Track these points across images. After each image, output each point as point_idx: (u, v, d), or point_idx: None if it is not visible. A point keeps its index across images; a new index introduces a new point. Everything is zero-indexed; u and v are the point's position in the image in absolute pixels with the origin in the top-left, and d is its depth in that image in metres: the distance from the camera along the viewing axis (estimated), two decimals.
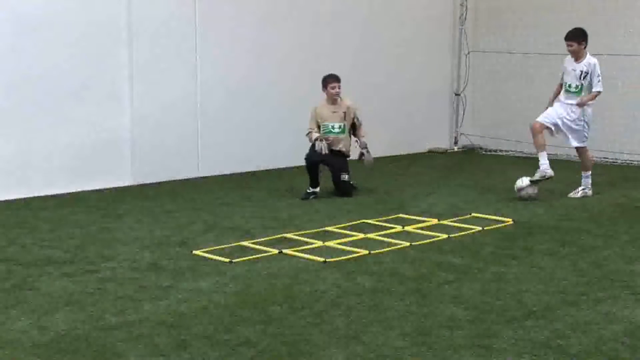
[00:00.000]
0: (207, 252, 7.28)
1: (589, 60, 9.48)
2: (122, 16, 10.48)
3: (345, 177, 9.82)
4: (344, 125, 9.86)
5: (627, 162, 12.65)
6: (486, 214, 8.80)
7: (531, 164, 12.82)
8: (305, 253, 7.23)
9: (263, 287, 6.30)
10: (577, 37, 9.52)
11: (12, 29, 9.69)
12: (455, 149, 14.49)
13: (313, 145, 9.73)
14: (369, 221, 8.56)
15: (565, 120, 9.58)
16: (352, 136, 10.10)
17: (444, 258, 7.12)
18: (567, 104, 9.58)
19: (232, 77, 11.54)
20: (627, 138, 12.78)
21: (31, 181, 9.88)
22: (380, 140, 13.48)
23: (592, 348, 5.02)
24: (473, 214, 8.86)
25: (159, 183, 10.79)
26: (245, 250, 7.38)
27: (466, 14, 14.25)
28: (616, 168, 12.37)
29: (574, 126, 9.60)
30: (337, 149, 9.84)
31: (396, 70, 13.57)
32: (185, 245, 7.56)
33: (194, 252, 7.29)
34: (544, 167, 9.58)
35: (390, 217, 8.77)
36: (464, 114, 14.46)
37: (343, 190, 9.86)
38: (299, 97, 11.59)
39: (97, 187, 10.35)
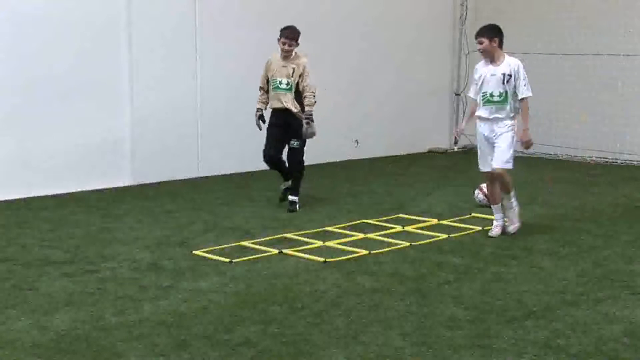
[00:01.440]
0: (207, 252, 7.28)
1: (510, 61, 7.71)
2: (122, 16, 10.49)
3: (294, 143, 9.09)
4: (292, 82, 9.00)
5: (627, 162, 12.65)
6: (486, 214, 8.80)
7: (531, 163, 12.86)
8: (305, 253, 7.23)
9: (263, 287, 6.30)
10: (488, 33, 7.73)
11: (12, 29, 9.69)
12: (455, 149, 14.48)
13: (268, 138, 9.17)
14: (369, 221, 8.56)
15: (493, 141, 7.79)
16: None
17: (444, 258, 7.12)
18: (492, 119, 7.74)
19: (232, 77, 11.54)
20: (627, 138, 12.78)
21: (31, 181, 9.88)
22: (380, 140, 13.52)
23: (592, 348, 5.02)
24: (473, 214, 8.86)
25: (159, 183, 10.79)
26: (245, 250, 7.38)
27: (466, 14, 14.26)
28: (616, 168, 12.37)
29: (499, 142, 7.73)
30: (284, 107, 9.00)
31: (396, 71, 13.58)
32: (185, 245, 7.56)
33: (194, 252, 7.29)
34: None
35: (390, 217, 8.77)
36: (464, 114, 14.43)
37: (289, 157, 9.20)
38: None
39: (97, 187, 10.35)
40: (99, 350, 5.00)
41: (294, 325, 5.43)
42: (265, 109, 9.22)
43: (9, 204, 9.47)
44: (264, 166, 11.85)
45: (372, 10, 13.17)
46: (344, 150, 12.99)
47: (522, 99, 7.69)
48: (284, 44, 9.04)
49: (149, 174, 10.84)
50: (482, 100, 7.78)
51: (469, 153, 14.15)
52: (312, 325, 5.43)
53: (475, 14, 14.36)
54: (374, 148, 13.40)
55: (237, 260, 6.99)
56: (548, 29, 13.46)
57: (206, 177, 11.27)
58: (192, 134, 11.32)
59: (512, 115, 7.75)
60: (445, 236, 7.84)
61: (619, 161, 12.76)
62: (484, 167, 7.92)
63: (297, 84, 8.99)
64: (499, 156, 7.72)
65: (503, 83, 7.67)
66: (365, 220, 8.57)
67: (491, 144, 7.78)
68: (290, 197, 9.20)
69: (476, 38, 7.83)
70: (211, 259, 7.07)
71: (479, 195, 9.33)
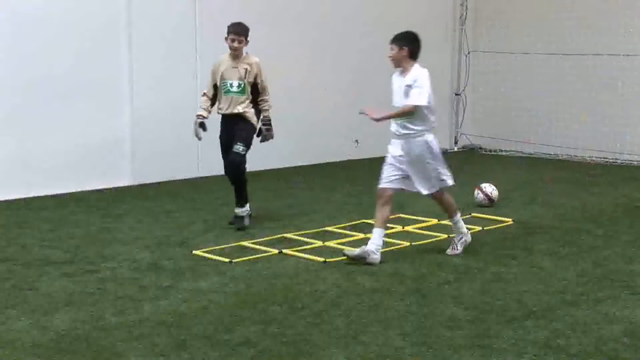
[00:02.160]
0: (207, 252, 7.28)
1: (416, 72, 7.15)
2: (122, 16, 10.49)
3: (238, 148, 8.10)
4: (244, 84, 8.14)
5: (627, 162, 12.65)
6: (486, 214, 8.80)
7: (531, 163, 12.87)
8: (305, 253, 7.23)
9: (263, 287, 6.30)
10: (399, 41, 7.10)
11: (12, 29, 9.69)
12: (455, 149, 14.48)
13: (224, 149, 8.35)
14: (369, 221, 8.53)
15: (404, 159, 7.05)
16: (256, 106, 8.30)
17: (444, 258, 7.12)
18: (402, 135, 7.05)
19: None
20: (627, 138, 12.79)
21: (31, 181, 9.88)
22: (380, 140, 13.50)
23: (592, 348, 5.02)
24: (473, 214, 8.85)
25: (159, 183, 10.79)
26: (245, 250, 7.38)
27: (466, 14, 14.27)
28: (616, 168, 12.37)
29: (418, 167, 7.05)
30: (236, 111, 8.19)
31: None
32: (185, 245, 7.56)
33: (194, 252, 7.29)
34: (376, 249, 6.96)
35: (390, 217, 8.75)
36: (464, 114, 14.46)
37: (230, 160, 8.21)
38: (299, 97, 11.58)
39: (97, 187, 10.35)
40: (99, 350, 5.00)
41: (294, 325, 5.43)
42: (207, 117, 8.33)
43: (9, 204, 9.47)
44: (262, 166, 11.89)
45: (372, 10, 13.17)
46: (344, 150, 12.99)
47: (412, 105, 6.95)
48: (232, 41, 8.09)
49: (149, 174, 10.84)
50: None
51: (469, 153, 14.17)
52: (312, 325, 5.43)
53: (475, 14, 14.38)
54: (374, 148, 13.37)
55: (237, 260, 6.99)
56: (548, 29, 13.46)
57: (206, 177, 11.26)
58: (192, 134, 11.29)
59: (423, 129, 7.01)
60: (445, 236, 7.83)
61: (619, 161, 12.77)
62: (382, 184, 7.14)
63: (253, 86, 8.20)
64: (424, 183, 7.09)
65: (405, 95, 7.05)
66: (365, 220, 8.56)
67: (402, 164, 7.04)
68: (237, 210, 8.31)
69: (389, 44, 7.15)
70: (211, 259, 7.07)
71: (479, 195, 9.34)
